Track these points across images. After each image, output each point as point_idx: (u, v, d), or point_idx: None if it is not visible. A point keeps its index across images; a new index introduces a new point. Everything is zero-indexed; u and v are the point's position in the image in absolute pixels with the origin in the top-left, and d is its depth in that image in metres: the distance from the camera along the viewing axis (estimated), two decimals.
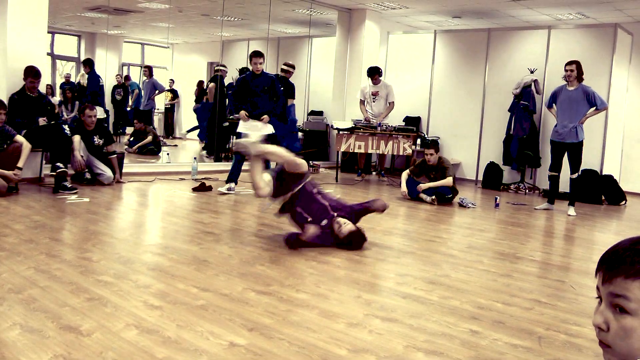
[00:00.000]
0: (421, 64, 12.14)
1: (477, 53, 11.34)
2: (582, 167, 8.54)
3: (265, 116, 8.20)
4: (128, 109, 13.06)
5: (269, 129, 8.24)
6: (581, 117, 7.95)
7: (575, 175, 8.10)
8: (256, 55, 8.25)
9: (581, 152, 8.06)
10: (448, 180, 8.33)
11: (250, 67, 8.39)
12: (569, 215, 8.06)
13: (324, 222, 5.25)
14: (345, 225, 5.20)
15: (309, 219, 5.23)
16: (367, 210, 5.58)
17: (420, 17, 12.55)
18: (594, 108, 7.97)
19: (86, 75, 10.99)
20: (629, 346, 1.20)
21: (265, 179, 5.31)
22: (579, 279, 4.69)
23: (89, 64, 10.85)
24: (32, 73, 7.63)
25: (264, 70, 8.41)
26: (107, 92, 12.61)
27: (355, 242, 5.21)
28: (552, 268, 5.09)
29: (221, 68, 11.91)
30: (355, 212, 5.48)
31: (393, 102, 10.80)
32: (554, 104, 8.26)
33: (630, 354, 1.20)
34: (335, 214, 5.31)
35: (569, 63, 8.03)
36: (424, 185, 8.39)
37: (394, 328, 3.26)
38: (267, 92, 8.29)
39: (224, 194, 8.01)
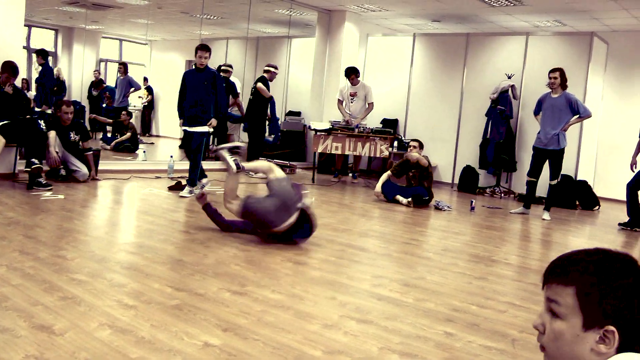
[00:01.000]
0: (400, 66, 12.18)
1: (455, 57, 11.40)
2: None
3: (213, 120, 7.83)
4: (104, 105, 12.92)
5: (209, 128, 7.89)
6: (564, 125, 8.01)
7: (554, 182, 8.17)
8: (203, 48, 7.76)
9: (562, 159, 8.13)
10: (425, 160, 8.48)
11: (195, 61, 7.82)
12: (544, 219, 8.13)
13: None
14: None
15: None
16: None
17: (400, 20, 12.60)
18: (577, 116, 8.04)
19: (39, 68, 10.46)
20: (558, 349, 1.26)
21: (238, 199, 5.47)
22: None
23: (42, 54, 10.18)
24: (9, 69, 7.51)
25: (208, 66, 7.88)
26: (84, 88, 12.52)
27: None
28: (527, 271, 5.14)
29: (228, 69, 11.55)
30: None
31: (372, 103, 10.82)
32: (540, 111, 8.30)
33: (560, 357, 1.26)
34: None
35: (553, 70, 8.07)
36: (415, 155, 8.47)
37: (368, 330, 3.27)
38: (208, 88, 7.79)
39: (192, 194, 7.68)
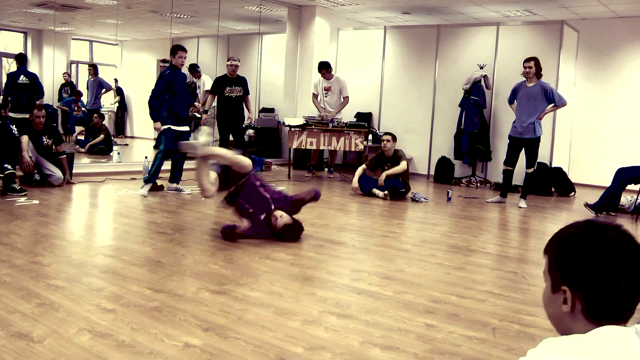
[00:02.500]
0: (372, 59, 12.20)
1: (427, 49, 11.43)
2: None
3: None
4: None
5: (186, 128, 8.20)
6: (539, 113, 8.08)
7: (531, 170, 8.24)
8: (184, 49, 7.98)
9: (538, 147, 8.20)
10: (402, 165, 8.40)
11: (174, 61, 7.96)
12: (520, 207, 8.20)
13: (262, 215, 5.37)
14: (281, 218, 5.31)
15: (250, 211, 5.37)
16: (302, 200, 5.67)
17: (370, 13, 12.61)
18: (553, 104, 8.11)
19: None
20: (545, 311, 1.41)
21: (211, 179, 5.42)
22: (531, 270, 4.77)
23: (18, 59, 10.18)
24: None
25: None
26: (55, 90, 12.40)
27: (291, 234, 5.36)
28: (505, 260, 5.18)
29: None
30: (291, 202, 5.57)
31: (347, 97, 10.80)
32: (514, 100, 8.37)
33: (550, 318, 1.40)
34: (274, 206, 5.41)
35: (527, 60, 8.12)
36: (383, 176, 8.42)
37: (349, 324, 3.27)
38: (186, 89, 8.29)
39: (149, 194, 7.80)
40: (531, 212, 7.96)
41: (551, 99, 8.05)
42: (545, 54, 9.71)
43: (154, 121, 7.95)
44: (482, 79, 10.40)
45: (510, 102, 8.50)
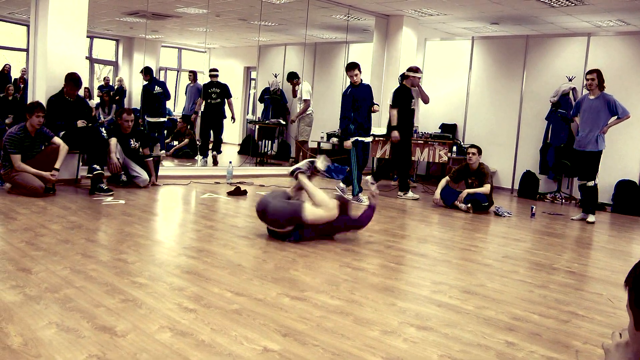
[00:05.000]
0: (458, 70, 12.06)
1: (514, 60, 11.23)
2: (621, 177, 8.51)
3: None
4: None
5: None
6: (602, 126, 7.87)
7: (592, 184, 8.01)
8: (358, 67, 8.66)
9: (598, 161, 8.01)
10: (486, 188, 8.25)
11: (349, 78, 8.76)
12: (588, 222, 8.03)
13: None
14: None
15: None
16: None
17: (458, 24, 12.47)
18: (616, 117, 7.88)
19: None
20: (633, 345, 1.32)
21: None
22: (617, 293, 4.58)
23: (147, 72, 11.49)
24: (72, 82, 7.69)
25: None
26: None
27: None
28: (590, 280, 5.00)
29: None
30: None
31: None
32: (577, 114, 8.20)
33: (635, 354, 1.31)
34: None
35: (589, 72, 8.01)
36: (463, 193, 8.30)
37: (428, 337, 3.22)
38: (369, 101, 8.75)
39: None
40: (618, 232, 7.69)
41: (614, 111, 7.85)
42: (638, 65, 9.39)
43: (345, 140, 8.64)
44: (571, 91, 10.13)
45: (573, 115, 8.39)
